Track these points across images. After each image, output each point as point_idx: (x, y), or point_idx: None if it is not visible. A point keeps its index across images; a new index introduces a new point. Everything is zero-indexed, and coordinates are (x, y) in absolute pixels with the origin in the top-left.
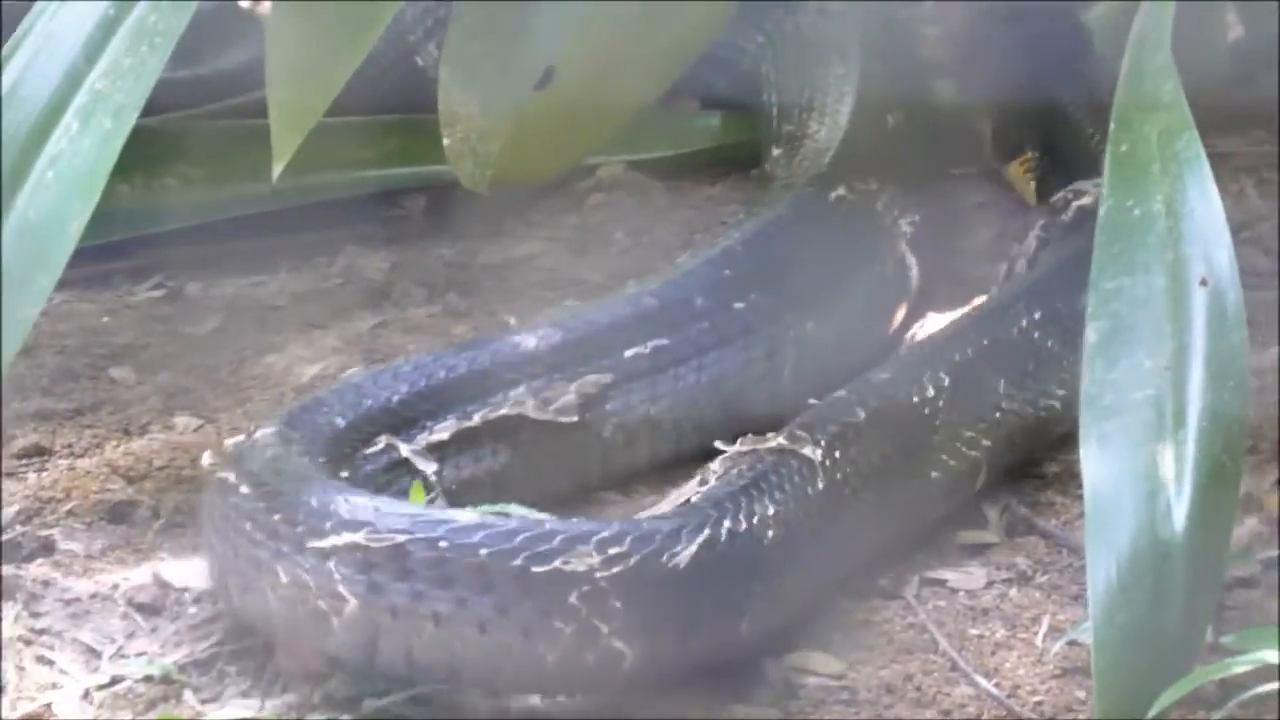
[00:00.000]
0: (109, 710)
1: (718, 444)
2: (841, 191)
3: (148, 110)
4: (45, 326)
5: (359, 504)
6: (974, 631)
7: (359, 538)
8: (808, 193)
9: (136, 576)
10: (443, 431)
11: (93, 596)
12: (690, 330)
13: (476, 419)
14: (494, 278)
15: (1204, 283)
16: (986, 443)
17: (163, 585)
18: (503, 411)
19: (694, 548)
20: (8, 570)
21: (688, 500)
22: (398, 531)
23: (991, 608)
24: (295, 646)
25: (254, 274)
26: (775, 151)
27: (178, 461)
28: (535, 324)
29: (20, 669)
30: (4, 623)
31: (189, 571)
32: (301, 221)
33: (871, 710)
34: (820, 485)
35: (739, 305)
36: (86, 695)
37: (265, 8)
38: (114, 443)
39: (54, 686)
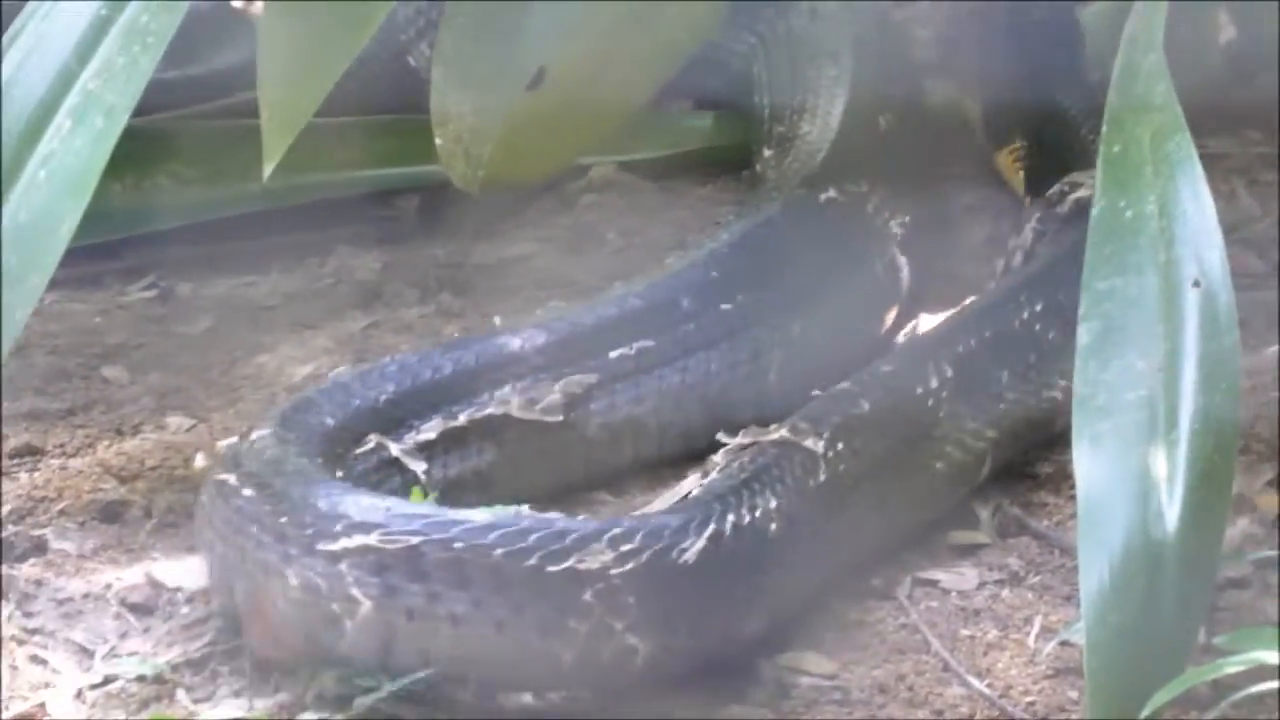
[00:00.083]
0: (102, 710)
1: (720, 436)
2: (832, 193)
3: (140, 110)
4: (37, 326)
5: (370, 506)
6: (966, 632)
7: (372, 540)
8: (798, 195)
9: (129, 576)
10: (430, 431)
11: (85, 596)
12: (676, 332)
13: (463, 418)
14: (486, 278)
15: (1196, 284)
16: (991, 434)
17: (155, 585)
18: (489, 411)
19: (703, 541)
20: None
21: (688, 494)
22: (412, 533)
23: (984, 608)
24: (277, 637)
25: (246, 274)
26: (767, 153)
27: (170, 461)
28: (521, 324)
29: (13, 668)
30: None
31: (181, 571)
32: (294, 222)
33: (864, 710)
34: (822, 477)
35: (725, 307)
36: (79, 695)
37: (257, 8)
38: (106, 442)
39: (47, 686)
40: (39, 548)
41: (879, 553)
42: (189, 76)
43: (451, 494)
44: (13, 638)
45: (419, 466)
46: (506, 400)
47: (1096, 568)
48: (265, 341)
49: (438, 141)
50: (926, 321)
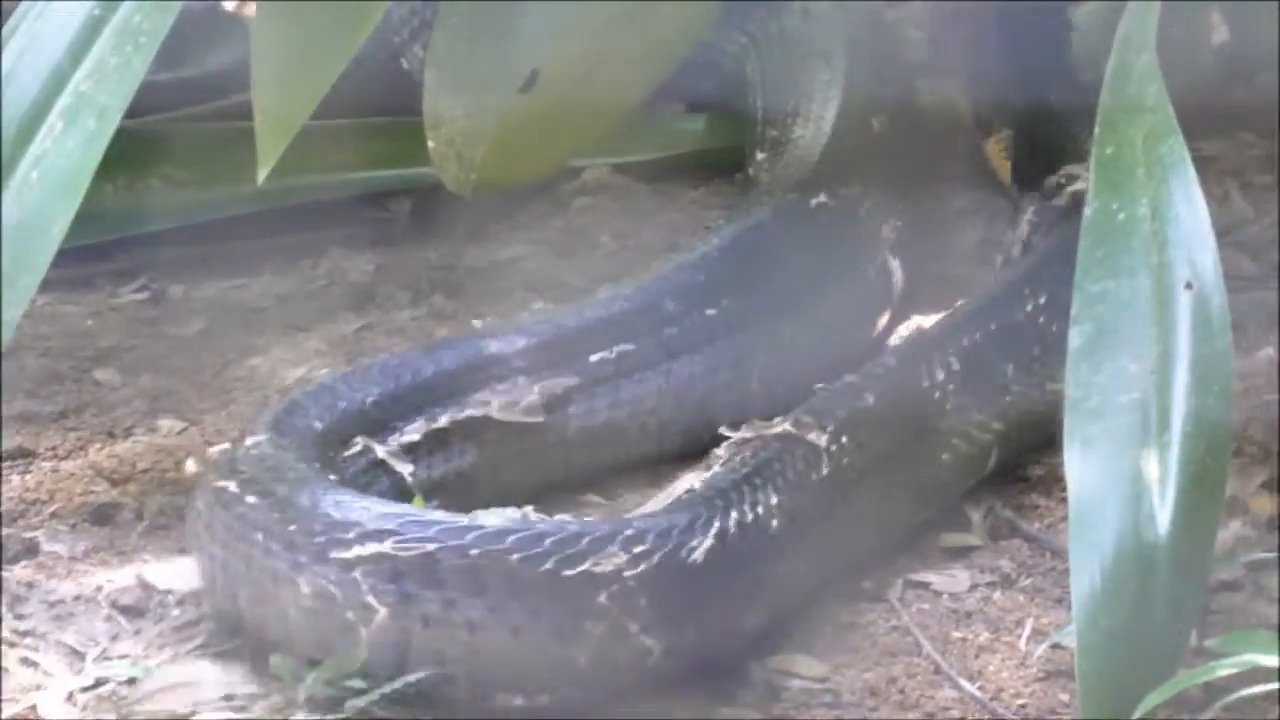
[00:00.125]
0: (93, 712)
1: (723, 430)
2: (823, 198)
3: (132, 112)
4: (29, 329)
5: (381, 512)
6: (957, 634)
7: (385, 547)
8: (789, 199)
9: (120, 578)
10: (414, 433)
11: (76, 598)
12: (659, 335)
13: (444, 420)
14: (479, 280)
15: (1189, 286)
16: (998, 426)
17: (146, 587)
18: (469, 412)
19: (710, 539)
20: None
21: (687, 491)
22: (427, 540)
23: (975, 611)
24: (288, 645)
25: (238, 276)
26: (759, 155)
27: (162, 464)
28: (503, 326)
29: (4, 671)
30: None
31: (172, 574)
32: (286, 224)
33: (855, 713)
34: (825, 471)
35: (710, 312)
36: (70, 697)
37: (250, 10)
38: (98, 445)
39: (38, 688)
40: (30, 550)
41: (884, 548)
42: (181, 78)
43: (435, 495)
44: (4, 640)
45: (405, 468)
46: (487, 402)
47: (1088, 570)
48: (257, 344)
49: (430, 144)
50: (919, 325)
